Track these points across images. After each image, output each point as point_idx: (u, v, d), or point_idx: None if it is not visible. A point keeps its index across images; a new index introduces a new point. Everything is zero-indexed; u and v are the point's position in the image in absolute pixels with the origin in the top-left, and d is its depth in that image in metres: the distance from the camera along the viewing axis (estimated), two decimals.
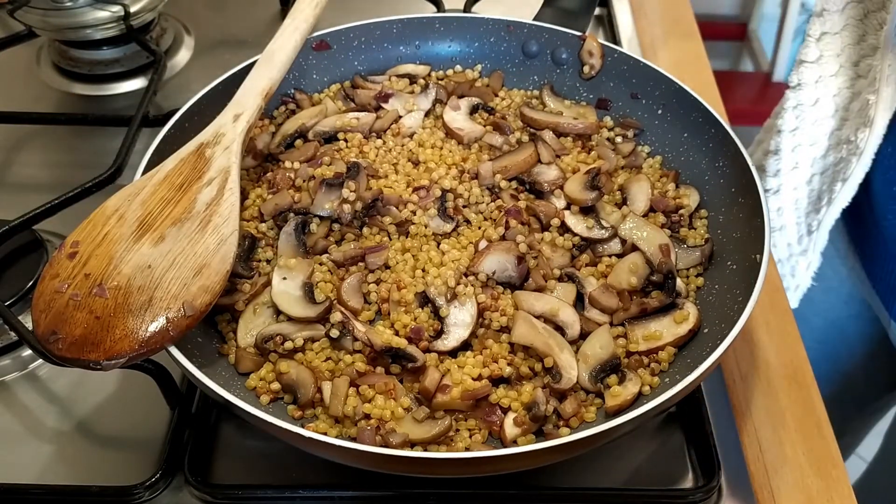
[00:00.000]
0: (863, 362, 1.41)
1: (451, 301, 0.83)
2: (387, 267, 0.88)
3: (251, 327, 0.83)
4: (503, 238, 0.90)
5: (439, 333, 0.82)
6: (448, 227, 0.91)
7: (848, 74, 1.14)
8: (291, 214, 0.90)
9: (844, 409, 1.46)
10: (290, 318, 0.82)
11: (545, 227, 0.92)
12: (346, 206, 0.89)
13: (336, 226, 0.91)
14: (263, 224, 0.92)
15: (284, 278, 0.84)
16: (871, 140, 1.08)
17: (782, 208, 1.24)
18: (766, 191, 1.20)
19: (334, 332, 0.81)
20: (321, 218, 0.90)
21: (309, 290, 0.83)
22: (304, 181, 0.94)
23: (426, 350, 0.81)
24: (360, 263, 0.88)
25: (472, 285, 0.84)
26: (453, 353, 0.82)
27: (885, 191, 1.13)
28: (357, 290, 0.86)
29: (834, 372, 1.42)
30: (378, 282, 0.87)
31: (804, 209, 1.23)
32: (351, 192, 0.90)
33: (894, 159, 1.11)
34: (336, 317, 0.81)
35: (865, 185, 1.15)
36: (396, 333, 0.82)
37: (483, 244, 0.88)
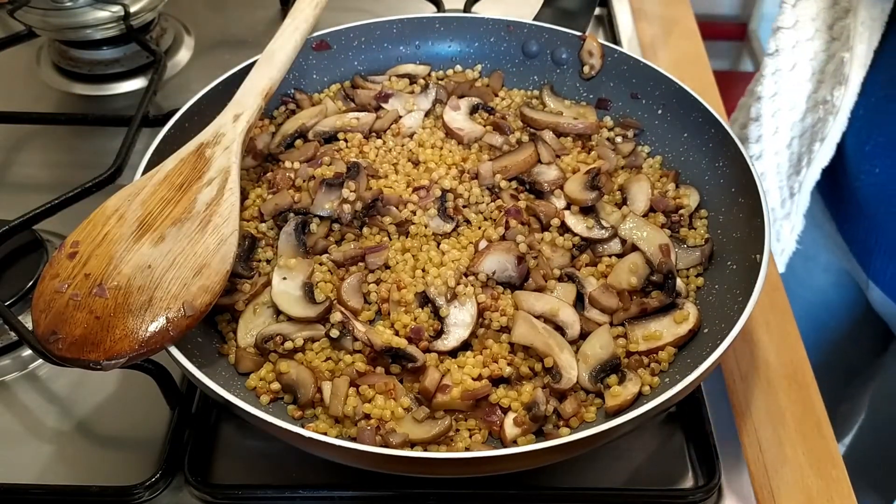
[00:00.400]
0: (848, 329, 1.44)
1: (451, 301, 0.83)
2: (387, 267, 0.88)
3: (251, 327, 0.83)
4: (503, 238, 0.90)
5: (439, 333, 0.82)
6: (448, 227, 0.91)
7: (823, 38, 1.18)
8: (291, 214, 0.90)
9: (834, 377, 1.48)
10: (290, 318, 0.82)
11: (545, 227, 0.92)
12: (346, 206, 0.89)
13: (336, 226, 0.91)
14: (263, 224, 0.92)
15: (284, 278, 0.84)
16: (846, 98, 1.12)
17: (765, 173, 1.27)
18: (749, 157, 1.24)
19: (334, 332, 0.81)
20: (321, 218, 0.90)
21: (309, 290, 0.83)
22: (304, 181, 0.94)
23: (426, 350, 0.81)
24: (360, 263, 0.88)
25: (472, 285, 0.84)
26: (453, 353, 0.82)
27: (858, 151, 1.16)
28: (357, 290, 0.86)
29: (822, 341, 1.45)
30: (378, 282, 0.87)
31: (785, 172, 1.27)
32: (351, 192, 0.90)
33: (867, 119, 1.14)
34: (336, 317, 0.81)
35: (840, 149, 1.18)
36: (396, 333, 0.82)
37: (483, 244, 0.88)
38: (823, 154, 1.18)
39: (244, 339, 0.83)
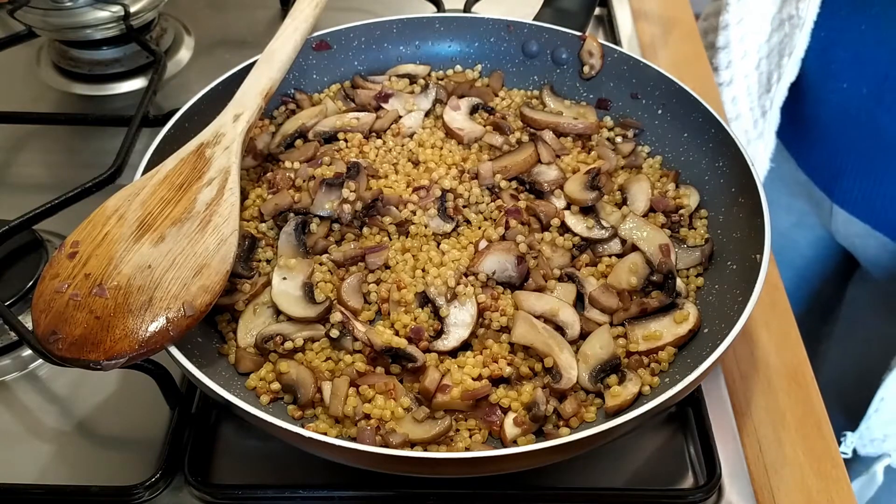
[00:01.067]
0: (816, 268, 1.49)
1: (451, 301, 0.83)
2: (387, 267, 0.88)
3: (251, 327, 0.83)
4: (503, 238, 0.90)
5: (439, 333, 0.82)
6: (448, 227, 0.91)
7: None
8: (291, 214, 0.90)
9: (811, 318, 1.53)
10: (290, 318, 0.82)
11: (545, 227, 0.92)
12: (346, 206, 0.89)
13: (336, 226, 0.91)
14: (263, 224, 0.92)
15: (284, 278, 0.84)
16: (811, 9, 1.17)
17: (736, 97, 1.32)
18: (720, 84, 1.31)
19: (334, 333, 0.81)
20: (321, 218, 0.90)
21: (309, 290, 0.83)
22: (304, 181, 0.94)
23: (426, 350, 0.81)
24: (360, 263, 0.88)
25: (472, 285, 0.84)
26: (453, 353, 0.82)
27: (823, 70, 1.21)
28: (357, 290, 0.86)
29: (795, 281, 1.50)
30: (378, 282, 0.87)
31: (756, 93, 1.31)
32: (351, 192, 0.90)
33: (831, 39, 1.19)
34: (336, 317, 0.81)
35: (801, 75, 1.23)
36: (396, 333, 0.82)
37: (483, 244, 0.88)
38: (791, 68, 1.23)
39: (244, 339, 0.83)
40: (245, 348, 0.82)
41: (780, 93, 1.27)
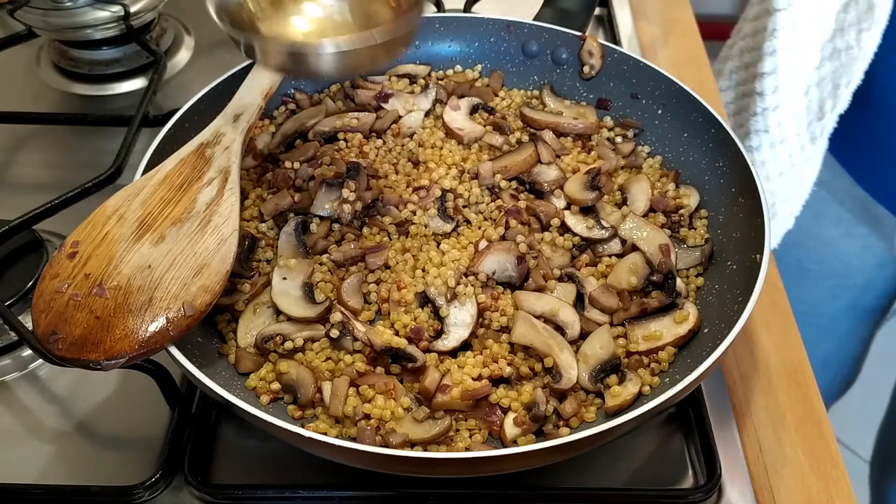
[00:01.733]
0: (876, 284, 1.48)
1: (451, 301, 0.83)
2: (387, 267, 0.88)
3: (251, 327, 0.83)
4: (503, 238, 0.90)
5: (439, 333, 0.82)
6: (448, 227, 0.91)
7: None
8: (291, 214, 0.90)
9: (855, 322, 1.53)
10: (290, 318, 0.82)
11: (545, 227, 0.92)
12: (346, 206, 0.89)
13: (336, 226, 0.91)
14: (263, 224, 0.92)
15: (284, 278, 0.84)
16: (871, 39, 1.15)
17: (783, 122, 1.29)
18: (765, 109, 1.29)
19: (334, 333, 0.81)
20: (321, 218, 0.90)
21: (309, 290, 0.83)
22: (304, 181, 0.94)
23: (426, 350, 0.81)
24: (361, 263, 0.88)
25: (472, 285, 0.84)
26: (453, 353, 0.82)
27: (890, 90, 1.20)
28: (357, 290, 0.86)
29: (840, 287, 1.48)
30: (378, 282, 0.87)
31: (805, 119, 1.29)
32: (351, 192, 0.90)
33: None
34: (336, 317, 0.81)
35: (862, 92, 1.22)
36: (396, 333, 0.82)
37: (483, 244, 0.88)
38: (846, 97, 1.22)
39: (244, 339, 0.83)
40: (245, 348, 0.82)
41: (832, 120, 1.25)
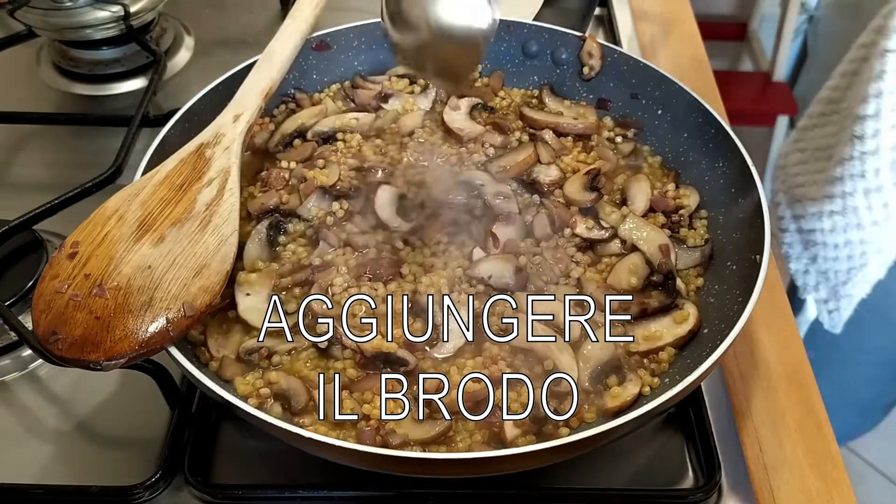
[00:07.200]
0: None
1: (446, 307, 0.82)
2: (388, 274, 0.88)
3: (226, 343, 0.81)
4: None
5: (435, 341, 0.81)
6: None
7: None
8: (275, 215, 0.90)
9: None
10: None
11: (556, 232, 0.91)
12: (330, 219, 0.89)
13: (310, 231, 0.90)
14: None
15: (248, 294, 0.83)
16: None
17: (880, 169, 1.27)
18: (863, 153, 1.26)
19: (323, 344, 0.80)
20: (303, 220, 0.90)
21: (277, 304, 0.82)
22: (298, 181, 0.94)
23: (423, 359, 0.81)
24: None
25: (464, 293, 0.84)
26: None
27: None
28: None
29: None
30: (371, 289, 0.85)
31: None
32: (342, 209, 0.90)
33: None
34: (322, 328, 0.80)
35: None
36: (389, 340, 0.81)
37: (478, 254, 0.88)
38: None
39: (219, 352, 0.80)
40: (227, 356, 0.80)
41: None
